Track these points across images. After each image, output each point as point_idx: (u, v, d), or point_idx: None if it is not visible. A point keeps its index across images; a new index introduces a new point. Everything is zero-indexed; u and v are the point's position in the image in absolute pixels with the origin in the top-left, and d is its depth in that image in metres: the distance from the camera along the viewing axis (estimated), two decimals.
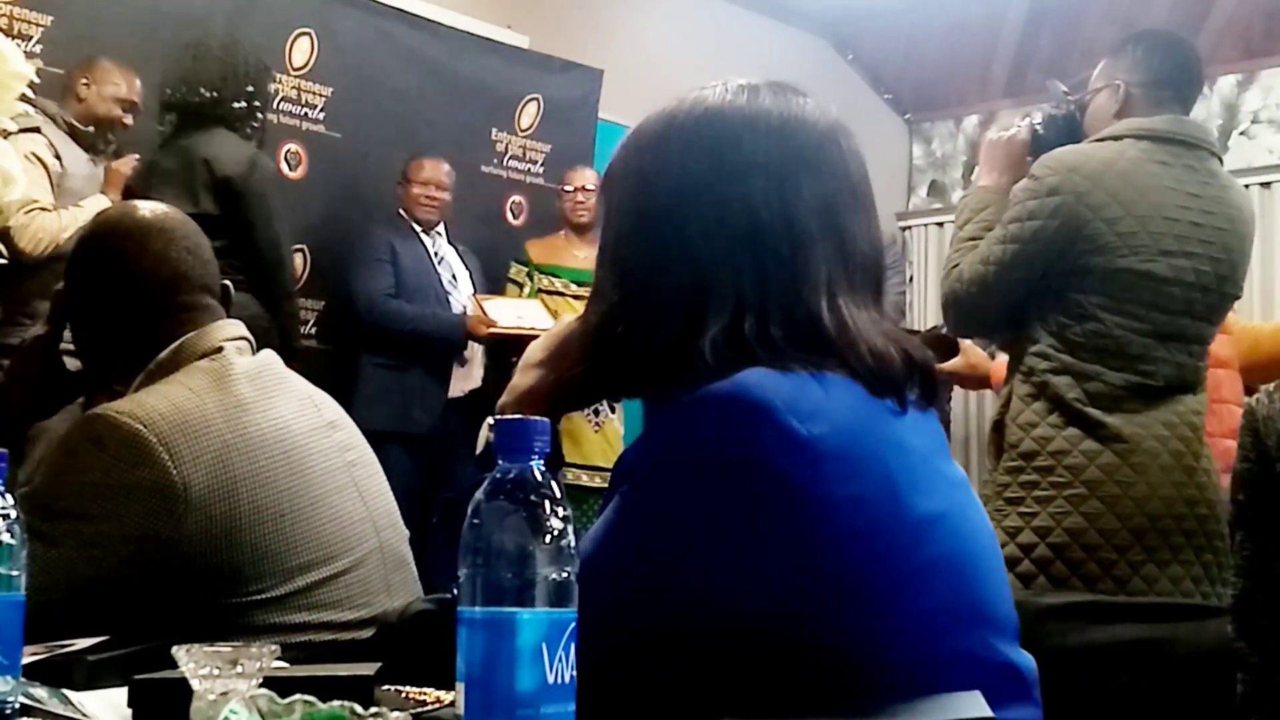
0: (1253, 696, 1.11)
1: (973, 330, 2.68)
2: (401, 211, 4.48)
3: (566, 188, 4.83)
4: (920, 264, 6.60)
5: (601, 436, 4.67)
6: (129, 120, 3.80)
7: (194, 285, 1.62)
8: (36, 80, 3.12)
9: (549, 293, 4.67)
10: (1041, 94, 6.48)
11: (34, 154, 3.47)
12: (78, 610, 1.38)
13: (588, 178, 4.76)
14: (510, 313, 4.39)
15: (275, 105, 4.46)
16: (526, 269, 4.76)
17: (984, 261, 2.36)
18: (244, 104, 3.79)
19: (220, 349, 1.57)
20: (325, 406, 1.65)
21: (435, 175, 4.48)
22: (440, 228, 4.54)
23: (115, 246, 1.62)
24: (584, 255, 4.64)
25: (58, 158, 3.56)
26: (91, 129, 3.71)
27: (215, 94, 3.78)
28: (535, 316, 4.38)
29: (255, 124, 3.85)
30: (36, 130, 3.51)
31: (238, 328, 1.63)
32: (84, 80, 3.74)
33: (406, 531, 1.67)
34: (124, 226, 1.63)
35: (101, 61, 3.80)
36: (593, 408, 4.44)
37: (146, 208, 1.68)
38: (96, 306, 1.61)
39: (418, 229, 4.48)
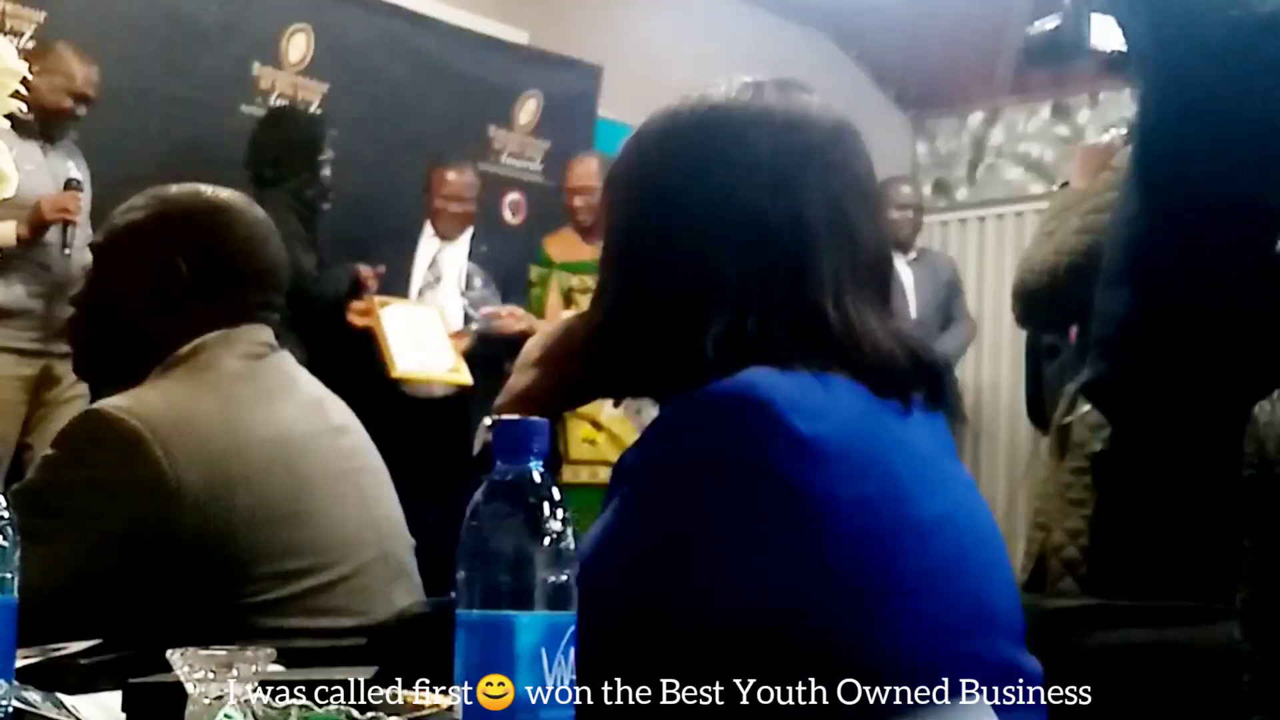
0: (1256, 694, 1.12)
1: (1039, 321, 2.60)
2: (429, 221, 4.46)
3: (569, 186, 4.65)
4: None
5: None
6: (81, 111, 3.74)
7: (263, 288, 1.59)
8: (30, 76, 3.12)
9: (582, 292, 4.45)
10: (1046, 91, 6.49)
11: None
12: (71, 609, 1.37)
13: (591, 172, 4.49)
14: (404, 328, 4.25)
15: (271, 101, 4.46)
16: (548, 269, 4.60)
17: (1057, 251, 2.32)
18: (274, 171, 4.11)
19: (236, 350, 1.54)
20: (334, 410, 1.62)
21: (458, 189, 4.43)
22: (463, 234, 4.50)
23: (217, 229, 1.58)
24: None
25: None
26: (32, 115, 3.63)
27: (258, 169, 4.08)
28: (435, 342, 4.26)
29: (286, 183, 4.10)
30: None
31: (263, 333, 1.59)
32: (36, 68, 3.67)
33: (411, 540, 1.66)
34: (218, 209, 1.60)
35: (58, 49, 3.72)
36: (635, 406, 4.37)
37: (243, 200, 1.64)
38: (156, 290, 1.55)
39: (429, 232, 4.47)
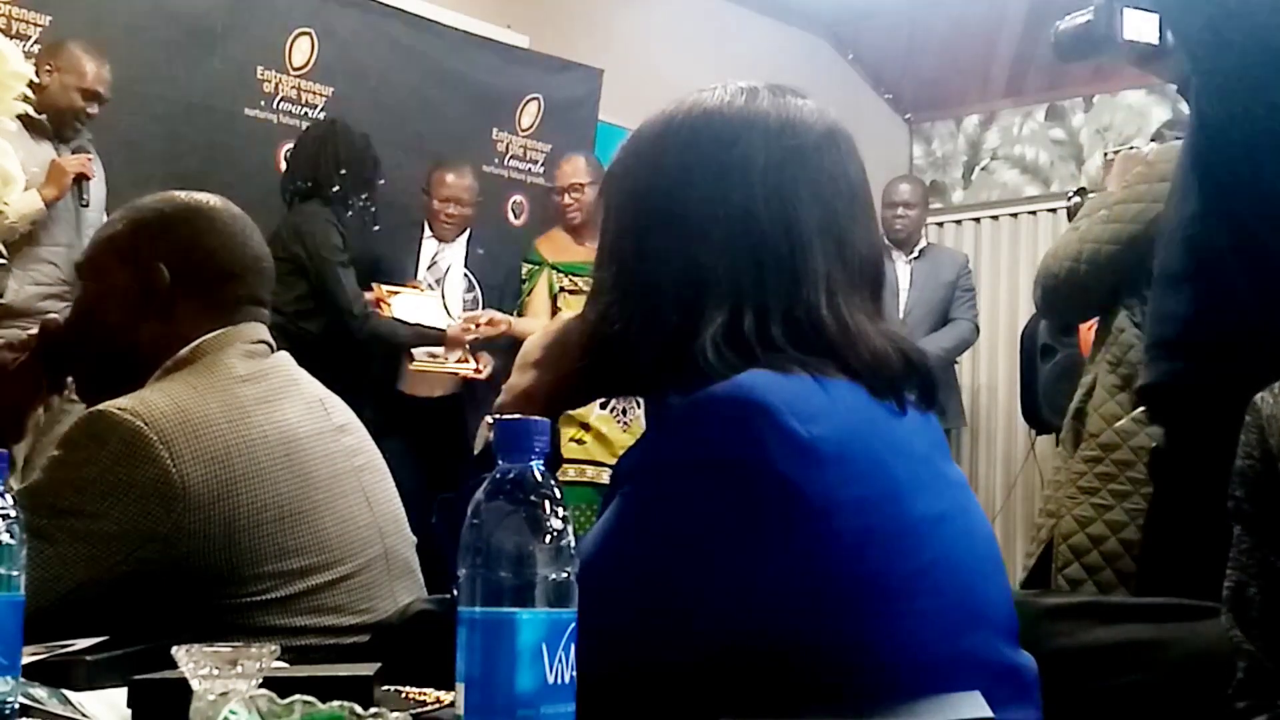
0: (1249, 682, 1.13)
1: (1058, 309, 2.56)
2: (426, 222, 4.49)
3: (559, 185, 4.69)
4: None
5: (630, 435, 4.60)
6: (93, 110, 3.77)
7: (248, 282, 1.61)
8: (35, 80, 3.12)
9: (572, 292, 4.51)
10: (1041, 94, 6.49)
11: None
12: (76, 608, 1.38)
13: (579, 170, 4.59)
14: (414, 316, 4.30)
15: (275, 105, 4.47)
16: (539, 267, 4.64)
17: (1081, 239, 2.30)
18: (338, 188, 4.16)
19: (235, 350, 1.56)
20: (336, 410, 1.63)
21: (456, 192, 4.46)
22: (460, 236, 4.53)
23: (194, 229, 1.59)
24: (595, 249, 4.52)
25: None
26: (45, 116, 3.65)
27: (311, 182, 4.15)
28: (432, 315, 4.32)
29: (349, 200, 4.18)
30: None
31: (259, 330, 1.61)
32: (48, 66, 3.68)
33: (413, 538, 1.66)
34: (194, 210, 1.61)
35: (70, 47, 3.74)
36: (621, 406, 4.35)
37: (218, 200, 1.65)
38: (141, 297, 1.57)
39: (427, 233, 4.49)
